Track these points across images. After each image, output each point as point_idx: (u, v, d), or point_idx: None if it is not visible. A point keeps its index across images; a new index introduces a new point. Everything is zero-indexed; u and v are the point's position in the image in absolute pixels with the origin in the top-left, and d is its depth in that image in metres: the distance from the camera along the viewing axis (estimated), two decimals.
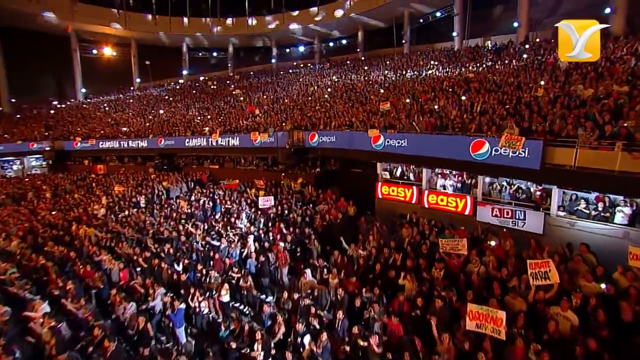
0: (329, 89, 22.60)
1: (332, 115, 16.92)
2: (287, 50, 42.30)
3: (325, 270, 7.37)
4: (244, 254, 9.20)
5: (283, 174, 15.95)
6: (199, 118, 24.85)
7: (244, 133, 18.27)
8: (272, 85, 29.75)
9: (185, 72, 43.46)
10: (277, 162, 16.44)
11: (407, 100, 14.75)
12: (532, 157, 7.99)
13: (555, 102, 9.53)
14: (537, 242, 7.72)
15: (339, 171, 15.93)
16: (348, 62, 32.37)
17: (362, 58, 33.17)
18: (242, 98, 27.73)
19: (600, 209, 7.91)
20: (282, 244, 8.99)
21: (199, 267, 8.29)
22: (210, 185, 17.62)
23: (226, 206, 13.08)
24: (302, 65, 36.79)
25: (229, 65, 42.42)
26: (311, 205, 12.28)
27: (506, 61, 17.45)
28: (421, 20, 31.64)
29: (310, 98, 22.02)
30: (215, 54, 44.61)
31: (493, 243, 7.25)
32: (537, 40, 20.15)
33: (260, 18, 39.83)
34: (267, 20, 39.62)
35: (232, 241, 9.39)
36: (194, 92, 34.94)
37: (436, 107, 13.21)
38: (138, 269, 8.19)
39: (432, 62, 21.50)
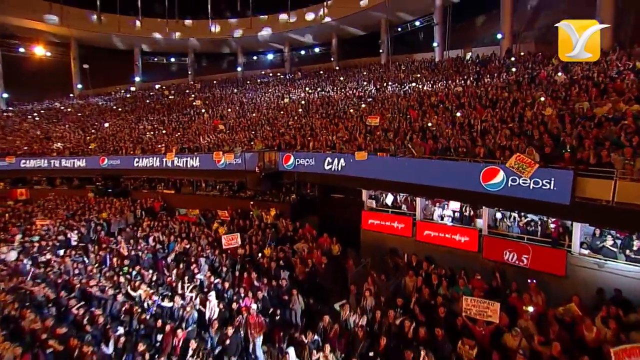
0: (303, 102, 21.78)
1: (309, 132, 15.68)
2: (255, 57, 41.54)
3: (314, 350, 5.77)
4: (206, 315, 7.40)
5: (252, 202, 14.26)
6: (151, 133, 22.56)
7: (206, 152, 16.45)
8: (238, 96, 28.83)
9: (137, 79, 40.83)
10: (246, 187, 14.74)
11: (391, 115, 14.61)
12: (560, 190, 7.10)
13: (563, 121, 9.23)
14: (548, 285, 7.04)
15: (318, 198, 14.60)
16: (321, 72, 31.92)
17: (337, 68, 32.96)
18: (203, 110, 25.86)
19: (636, 247, 7.08)
20: (254, 306, 7.29)
21: (140, 346, 6.34)
22: (164, 215, 15.50)
23: (183, 245, 11.13)
24: (271, 74, 36.00)
25: (189, 72, 40.61)
26: (288, 244, 10.68)
27: (495, 74, 17.22)
28: (399, 29, 31.80)
29: (281, 112, 20.76)
30: (173, 59, 42.42)
31: (531, 309, 6.06)
32: (522, 53, 20.32)
33: (224, 22, 38.37)
34: (232, 24, 38.22)
35: (188, 303, 7.53)
36: (148, 102, 32.66)
37: (430, 124, 12.40)
38: (49, 351, 6.07)
39: (416, 75, 21.02)
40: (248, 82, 34.08)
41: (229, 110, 24.41)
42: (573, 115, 9.53)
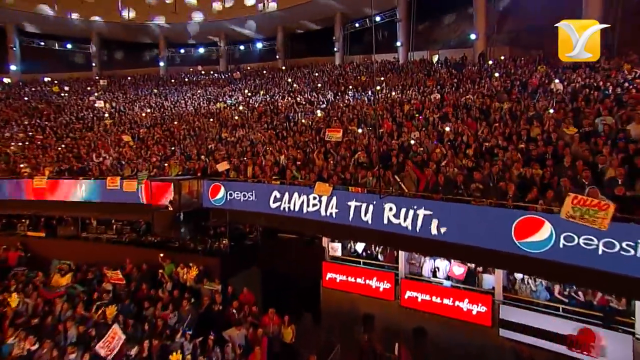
0: (241, 107, 19.73)
1: (248, 149, 12.79)
2: (182, 51, 37.91)
3: None
4: None
5: (162, 254, 10.76)
6: (20, 144, 17.74)
7: (97, 177, 12.63)
8: (158, 97, 26.25)
9: (14, 68, 34.49)
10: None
11: (360, 131, 12.65)
12: None
13: (589, 141, 8.07)
14: None
15: (261, 241, 11.68)
16: (265, 71, 30.40)
17: (283, 67, 31.49)
18: (107, 115, 21.62)
19: None
20: None
21: None
22: (22, 272, 11.22)
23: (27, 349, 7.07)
24: (202, 72, 33.68)
25: (94, 64, 36.22)
26: (212, 334, 7.39)
27: (477, 80, 15.97)
28: (357, 25, 30.43)
29: (212, 120, 17.62)
30: (70, 46, 36.56)
31: None
32: (502, 57, 19.55)
33: (141, 3, 33.89)
34: (152, 6, 33.84)
35: None
36: (27, 99, 27.21)
37: (412, 141, 10.36)
38: None
39: (380, 79, 19.40)
40: (172, 80, 32.01)
41: (143, 115, 21.17)
42: (596, 132, 8.41)
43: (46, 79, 33.41)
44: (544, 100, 11.34)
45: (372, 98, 17.39)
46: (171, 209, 10.26)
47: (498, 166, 7.88)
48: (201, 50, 37.58)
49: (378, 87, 18.65)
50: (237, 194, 10.15)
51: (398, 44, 26.29)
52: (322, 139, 11.94)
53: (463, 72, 17.97)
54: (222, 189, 10.39)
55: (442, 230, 7.13)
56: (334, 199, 8.62)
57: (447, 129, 10.74)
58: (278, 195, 9.31)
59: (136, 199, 11.43)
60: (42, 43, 35.78)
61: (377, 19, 28.24)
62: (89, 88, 30.29)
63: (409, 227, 7.56)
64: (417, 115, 12.80)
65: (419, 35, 26.07)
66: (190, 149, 14.18)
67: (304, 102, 19.23)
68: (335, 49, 30.00)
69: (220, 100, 22.92)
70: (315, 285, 10.52)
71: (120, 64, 37.62)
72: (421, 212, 7.43)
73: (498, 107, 11.37)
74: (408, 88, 17.23)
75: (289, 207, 9.25)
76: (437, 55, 24.43)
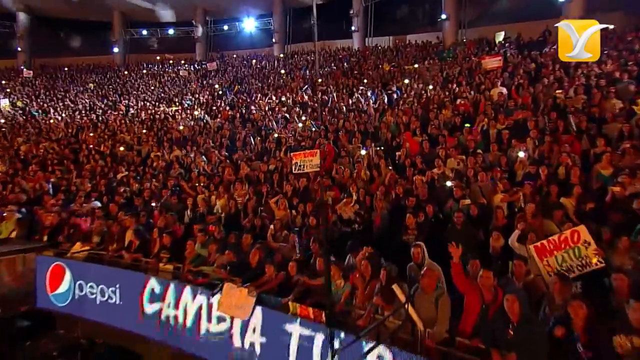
0: (197, 112, 18.97)
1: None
2: (144, 32, 37.15)
3: None
4: None
5: None
6: None
7: None
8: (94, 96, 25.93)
9: None
10: None
11: (363, 152, 10.79)
12: None
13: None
14: None
15: None
16: (254, 60, 30.73)
17: (281, 55, 31.83)
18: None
19: None
20: None
21: None
22: None
23: None
24: (171, 61, 34.25)
25: (18, 49, 35.37)
26: None
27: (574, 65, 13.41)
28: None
29: (146, 131, 16.59)
30: None
31: None
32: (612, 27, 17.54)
33: None
34: None
35: None
36: None
37: (449, 183, 8.16)
38: None
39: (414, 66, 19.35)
40: (126, 72, 32.05)
41: (52, 121, 20.38)
42: None
43: None
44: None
45: (394, 96, 15.68)
46: None
47: None
48: (171, 32, 37.10)
49: (407, 81, 17.42)
50: (90, 287, 6.97)
51: (443, 16, 25.48)
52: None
53: (545, 53, 16.56)
54: (68, 274, 7.29)
55: None
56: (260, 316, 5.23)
57: (521, 154, 8.38)
58: (157, 290, 6.15)
59: None
60: None
61: None
62: (3, 82, 29.48)
63: None
64: (466, 125, 10.83)
65: (473, 4, 25.92)
66: (81, 182, 11.43)
67: (290, 104, 17.34)
68: (352, 29, 29.71)
69: (178, 100, 22.03)
70: None
71: (58, 49, 36.78)
72: None
73: (622, 109, 9.67)
74: (453, 80, 15.84)
75: (173, 321, 6.00)
76: (502, 33, 22.96)
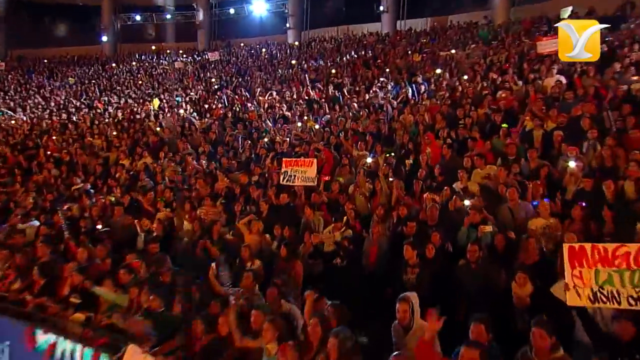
0: (183, 110, 19.27)
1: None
2: (138, 17, 37.98)
3: None
4: None
5: None
6: None
7: None
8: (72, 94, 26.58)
9: None
10: None
11: (369, 161, 10.59)
12: None
13: None
14: None
15: None
16: (263, 49, 31.09)
17: (296, 43, 32.04)
18: None
19: None
20: None
21: None
22: None
23: None
24: (168, 51, 34.93)
25: None
26: None
27: None
28: None
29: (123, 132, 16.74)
30: None
31: None
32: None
33: None
34: None
35: None
36: None
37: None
38: None
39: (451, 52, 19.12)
40: (113, 64, 32.70)
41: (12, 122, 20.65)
42: None
43: None
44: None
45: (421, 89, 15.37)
46: None
47: None
48: (168, 17, 37.70)
49: (438, 70, 17.00)
50: None
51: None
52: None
53: (622, 30, 16.47)
54: None
55: None
56: None
57: (572, 163, 7.62)
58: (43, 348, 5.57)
59: None
60: None
61: None
62: None
63: None
64: (503, 126, 10.22)
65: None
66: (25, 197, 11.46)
67: (294, 100, 17.22)
68: (381, 9, 29.98)
69: (164, 97, 22.04)
70: None
71: (39, 39, 37.59)
72: None
73: None
74: (495, 69, 15.44)
75: None
76: (568, 9, 22.09)
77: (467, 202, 6.80)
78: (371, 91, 15.70)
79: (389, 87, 15.73)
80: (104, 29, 36.49)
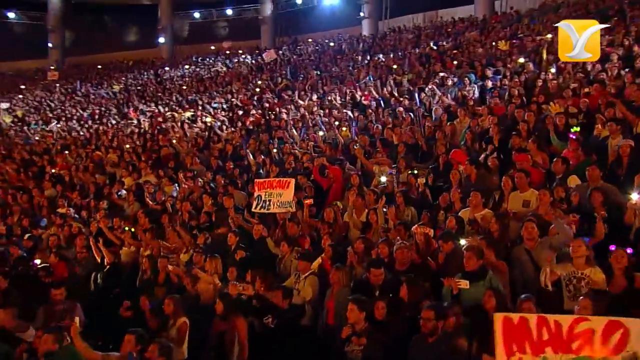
0: (201, 122, 20.01)
1: None
2: (197, 15, 39.93)
3: None
4: None
5: None
6: None
7: None
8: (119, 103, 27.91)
9: None
10: None
11: (383, 179, 10.39)
12: None
13: None
14: None
15: None
16: (332, 44, 31.71)
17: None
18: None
19: None
20: None
21: None
22: None
23: None
24: (227, 51, 36.46)
25: (50, 45, 39.30)
26: None
27: None
28: None
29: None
30: (11, 14, 39.47)
31: None
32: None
33: None
34: None
35: None
36: None
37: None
38: None
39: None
40: (167, 68, 34.29)
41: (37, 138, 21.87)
42: None
43: None
44: None
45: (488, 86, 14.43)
46: None
47: None
48: (229, 12, 38.95)
49: (522, 59, 16.16)
50: None
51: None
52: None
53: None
54: None
55: None
56: None
57: (635, 196, 7.13)
58: None
59: None
60: None
61: None
62: (22, 86, 32.39)
63: None
64: (572, 129, 9.78)
65: None
66: None
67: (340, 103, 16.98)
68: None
69: (192, 109, 22.46)
70: None
71: (96, 44, 39.96)
72: None
73: None
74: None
75: None
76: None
77: (462, 242, 5.69)
78: (427, 89, 14.87)
79: (449, 82, 14.95)
80: (162, 30, 38.27)
